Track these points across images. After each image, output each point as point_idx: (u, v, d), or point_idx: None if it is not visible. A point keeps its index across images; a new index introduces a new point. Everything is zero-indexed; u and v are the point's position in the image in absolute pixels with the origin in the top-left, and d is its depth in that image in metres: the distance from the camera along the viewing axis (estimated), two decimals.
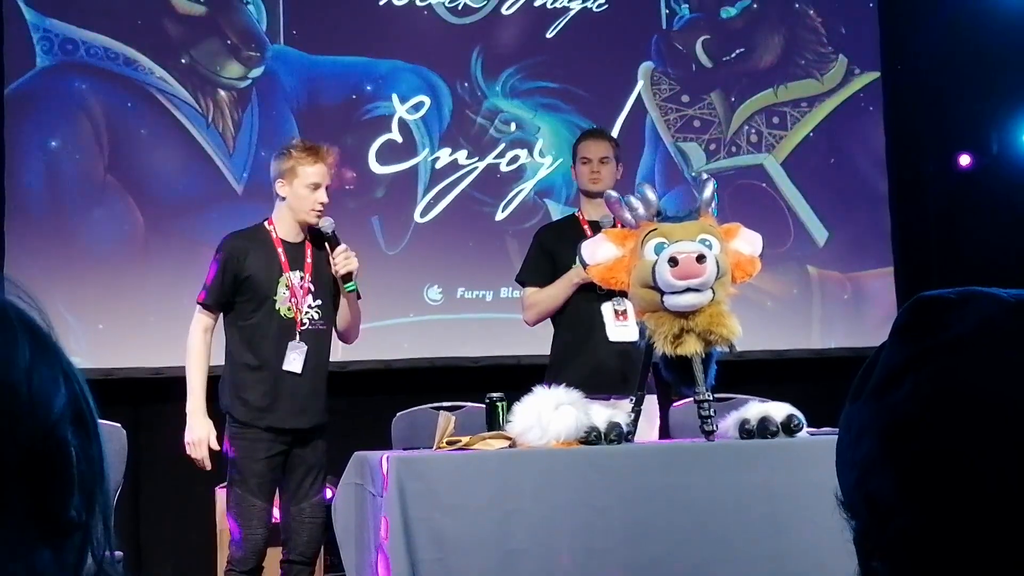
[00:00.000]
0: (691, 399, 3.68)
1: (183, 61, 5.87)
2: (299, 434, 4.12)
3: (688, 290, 3.41)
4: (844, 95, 6.51)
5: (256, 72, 5.95)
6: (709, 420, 3.48)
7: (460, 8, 6.17)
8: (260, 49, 5.96)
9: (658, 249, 3.43)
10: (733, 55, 6.43)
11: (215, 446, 4.08)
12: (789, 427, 3.48)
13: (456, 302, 6.01)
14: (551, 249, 4.45)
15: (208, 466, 4.10)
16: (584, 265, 3.66)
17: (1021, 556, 0.71)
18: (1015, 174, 6.48)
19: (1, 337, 0.71)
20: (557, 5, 6.27)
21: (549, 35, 6.25)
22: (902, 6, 6.58)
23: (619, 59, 6.32)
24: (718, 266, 3.43)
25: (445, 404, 4.51)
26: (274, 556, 4.22)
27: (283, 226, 4.18)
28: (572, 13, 6.27)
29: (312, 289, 4.15)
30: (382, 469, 3.32)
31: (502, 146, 6.15)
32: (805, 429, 3.51)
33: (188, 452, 4.08)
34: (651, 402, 4.26)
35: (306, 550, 4.13)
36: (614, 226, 3.99)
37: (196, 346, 4.13)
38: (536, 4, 6.24)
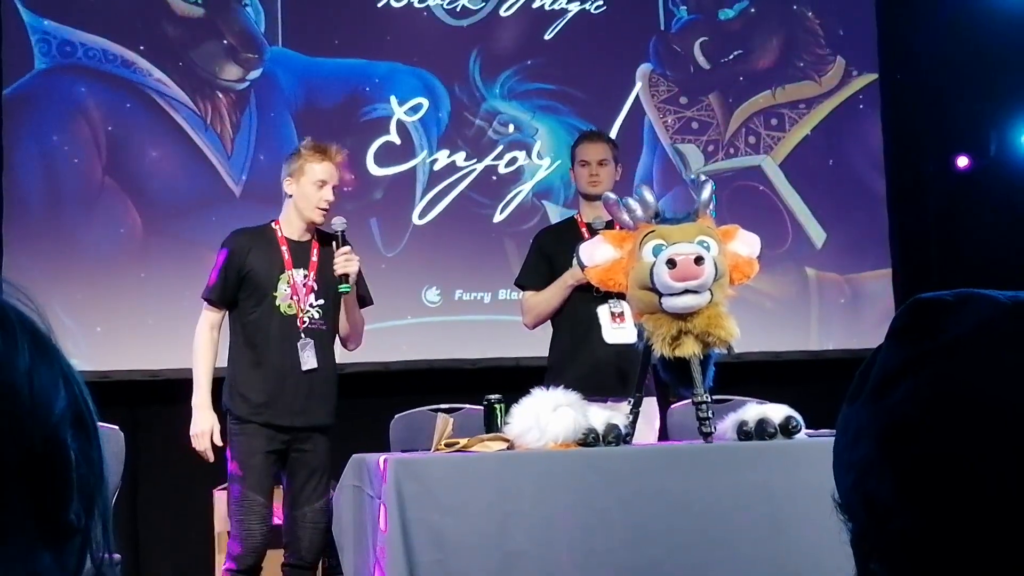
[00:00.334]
0: (689, 401, 3.68)
1: (181, 63, 5.87)
2: (297, 433, 4.13)
3: (686, 292, 3.41)
4: (842, 96, 6.52)
5: (254, 74, 5.95)
6: (707, 422, 3.48)
7: (458, 10, 6.18)
8: (258, 51, 5.96)
9: (656, 251, 3.44)
10: (731, 57, 6.43)
11: (218, 440, 4.10)
12: (787, 428, 3.48)
13: (454, 304, 6.01)
14: (550, 252, 4.45)
15: (211, 458, 4.13)
16: (582, 267, 3.66)
17: (1020, 558, 0.71)
18: (1013, 175, 6.48)
19: (2, 339, 0.71)
20: (555, 7, 6.27)
21: (547, 37, 6.26)
22: (900, 7, 6.59)
23: (617, 61, 6.33)
24: (716, 268, 3.43)
25: (443, 406, 4.51)
26: (276, 559, 4.23)
27: (289, 225, 4.22)
28: (570, 15, 6.28)
29: (315, 288, 4.17)
30: (380, 471, 3.32)
31: (500, 148, 6.15)
32: (803, 430, 3.51)
33: (192, 444, 4.11)
34: (651, 404, 4.26)
35: (307, 555, 4.14)
36: (607, 227, 4.00)
37: (202, 342, 4.16)
38: (534, 6, 6.25)
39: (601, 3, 6.30)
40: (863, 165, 6.52)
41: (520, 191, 6.14)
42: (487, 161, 6.13)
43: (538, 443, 3.37)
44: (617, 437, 3.41)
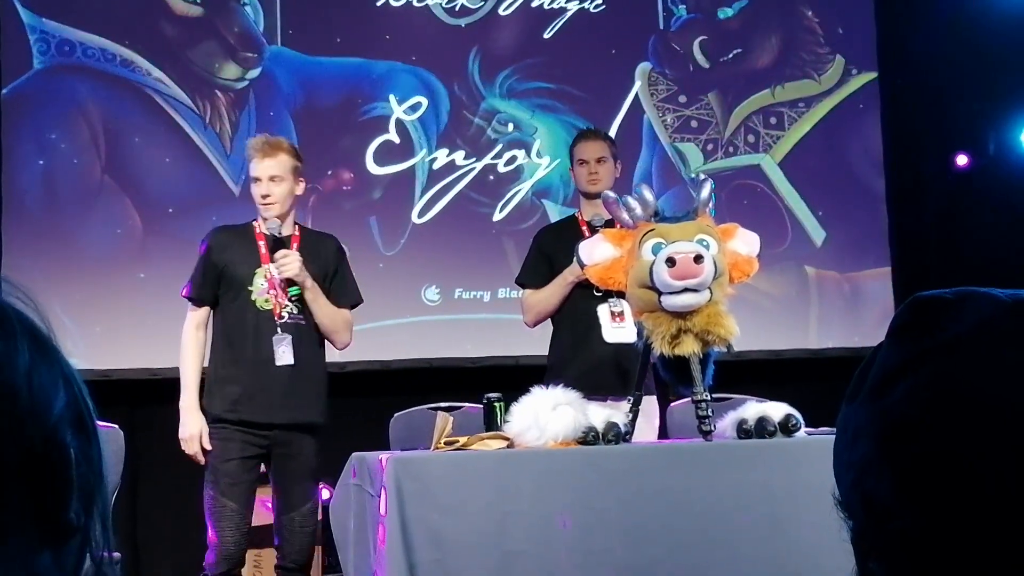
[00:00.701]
0: (689, 399, 3.68)
1: (180, 63, 5.87)
2: (278, 432, 4.09)
3: (686, 290, 3.41)
4: (841, 95, 6.52)
5: (253, 73, 5.95)
6: (707, 420, 3.48)
7: (457, 9, 6.17)
8: (257, 50, 5.96)
9: (655, 249, 3.43)
10: (730, 55, 6.43)
11: (207, 444, 4.08)
12: (787, 427, 3.48)
13: (454, 303, 6.01)
14: (550, 251, 4.45)
15: (203, 461, 4.10)
16: (582, 265, 3.66)
17: (1019, 557, 0.71)
18: (1012, 174, 6.49)
19: (2, 339, 0.71)
20: (554, 6, 6.27)
21: (546, 36, 6.26)
22: (899, 6, 6.59)
23: (616, 60, 6.33)
24: (716, 266, 3.43)
25: (443, 404, 4.50)
26: (269, 558, 4.22)
27: (266, 221, 4.19)
28: (569, 14, 6.28)
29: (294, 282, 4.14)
30: (380, 469, 3.32)
31: (499, 147, 6.15)
32: (803, 429, 3.51)
33: (182, 448, 4.10)
34: (650, 403, 4.26)
35: (298, 557, 4.13)
36: (606, 224, 4.00)
37: (187, 342, 4.15)
38: (533, 5, 6.25)
39: (600, 2, 6.30)
40: (862, 164, 6.52)
41: (519, 190, 6.14)
42: (486, 160, 6.13)
43: (538, 441, 3.37)
44: (617, 436, 3.41)
